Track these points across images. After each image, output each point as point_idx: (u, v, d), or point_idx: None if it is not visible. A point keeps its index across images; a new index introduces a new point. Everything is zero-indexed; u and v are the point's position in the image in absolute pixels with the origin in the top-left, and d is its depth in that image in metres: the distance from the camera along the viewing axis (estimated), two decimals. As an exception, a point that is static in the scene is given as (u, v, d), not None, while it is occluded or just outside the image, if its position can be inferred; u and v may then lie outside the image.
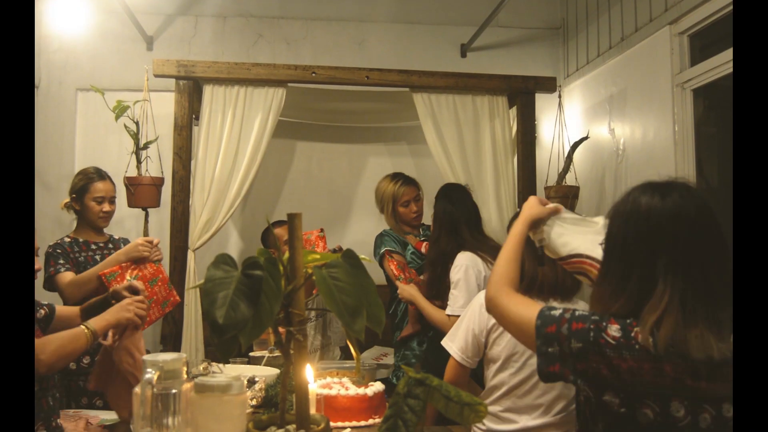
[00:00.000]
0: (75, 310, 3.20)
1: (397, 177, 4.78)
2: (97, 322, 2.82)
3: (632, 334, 1.78)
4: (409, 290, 4.18)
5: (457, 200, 4.06)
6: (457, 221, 3.98)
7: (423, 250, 4.51)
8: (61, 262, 4.03)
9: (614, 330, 1.79)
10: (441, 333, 4.18)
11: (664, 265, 1.80)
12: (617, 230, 1.93)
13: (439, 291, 3.95)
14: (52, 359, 2.64)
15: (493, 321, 2.97)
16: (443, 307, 3.87)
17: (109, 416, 3.09)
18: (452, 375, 3.09)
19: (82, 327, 2.77)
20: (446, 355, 4.14)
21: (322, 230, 4.55)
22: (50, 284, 4.01)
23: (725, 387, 1.72)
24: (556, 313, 1.93)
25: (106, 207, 4.20)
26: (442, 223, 4.02)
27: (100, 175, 4.25)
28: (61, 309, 3.18)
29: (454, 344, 3.09)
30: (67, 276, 3.98)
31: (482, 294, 3.10)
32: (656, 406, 1.73)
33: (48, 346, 2.63)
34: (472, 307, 3.10)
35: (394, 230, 4.71)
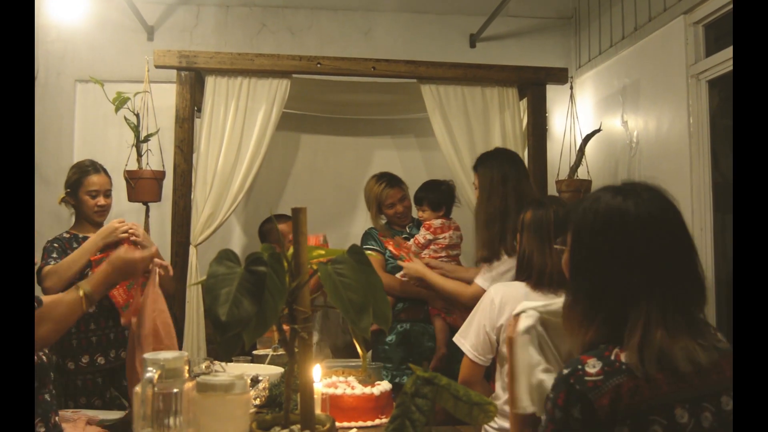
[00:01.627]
0: (59, 295, 3.20)
1: (382, 178, 4.82)
2: (94, 282, 2.70)
3: (612, 358, 1.72)
4: (415, 267, 4.22)
5: (498, 157, 3.97)
6: (499, 180, 3.82)
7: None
8: (54, 256, 3.99)
9: (591, 365, 1.71)
10: (411, 327, 4.41)
11: (641, 277, 1.75)
12: (587, 242, 1.85)
13: (497, 249, 3.71)
14: (48, 334, 2.53)
15: (504, 318, 2.96)
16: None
17: (109, 416, 3.10)
18: (466, 373, 3.07)
19: (78, 292, 2.63)
20: (412, 350, 4.27)
21: (324, 237, 4.59)
22: (39, 277, 3.96)
23: (721, 379, 1.72)
24: (545, 426, 1.79)
25: (101, 201, 4.18)
26: (491, 187, 3.83)
27: (95, 168, 4.23)
28: (47, 299, 3.19)
29: (466, 341, 3.07)
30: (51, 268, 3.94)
31: (493, 289, 3.09)
32: (663, 418, 1.69)
33: (44, 317, 2.52)
34: (482, 303, 3.08)
35: (379, 229, 4.78)
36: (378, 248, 4.64)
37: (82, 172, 4.19)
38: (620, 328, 1.75)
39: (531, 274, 3.01)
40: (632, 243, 1.77)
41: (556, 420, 1.72)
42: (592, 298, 1.80)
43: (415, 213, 4.80)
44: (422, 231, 4.53)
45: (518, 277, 3.09)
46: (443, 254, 4.44)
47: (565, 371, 1.74)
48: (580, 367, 1.72)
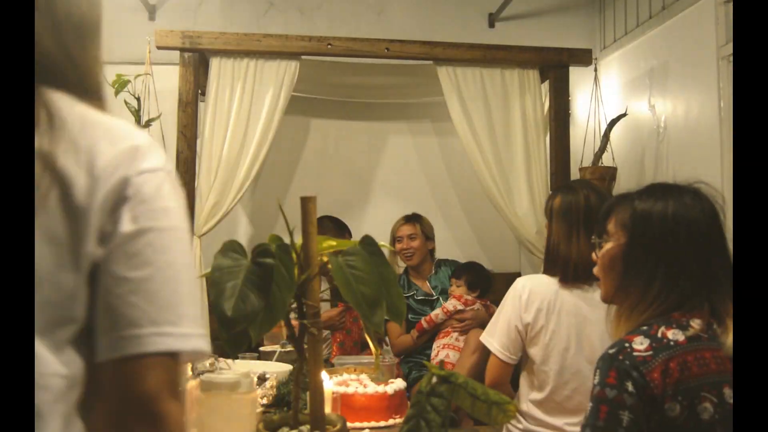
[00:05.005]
0: None
1: (407, 215, 5.28)
2: None
3: (659, 335, 1.82)
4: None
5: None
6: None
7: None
8: None
9: (639, 342, 1.81)
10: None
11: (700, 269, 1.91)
12: (640, 236, 2.00)
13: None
14: None
15: (531, 315, 2.92)
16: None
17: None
18: (495, 374, 3.02)
19: None
20: None
21: None
22: None
23: None
24: (596, 412, 1.82)
25: None
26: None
27: None
28: None
29: (494, 340, 3.01)
30: None
31: (521, 282, 3.04)
32: (712, 396, 1.75)
33: None
34: (509, 297, 3.03)
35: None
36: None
37: None
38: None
39: (561, 268, 2.97)
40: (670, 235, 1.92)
41: (609, 400, 1.77)
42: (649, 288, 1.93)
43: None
44: (452, 300, 4.76)
45: (547, 271, 3.05)
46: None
47: (611, 351, 1.83)
48: (627, 345, 1.81)
